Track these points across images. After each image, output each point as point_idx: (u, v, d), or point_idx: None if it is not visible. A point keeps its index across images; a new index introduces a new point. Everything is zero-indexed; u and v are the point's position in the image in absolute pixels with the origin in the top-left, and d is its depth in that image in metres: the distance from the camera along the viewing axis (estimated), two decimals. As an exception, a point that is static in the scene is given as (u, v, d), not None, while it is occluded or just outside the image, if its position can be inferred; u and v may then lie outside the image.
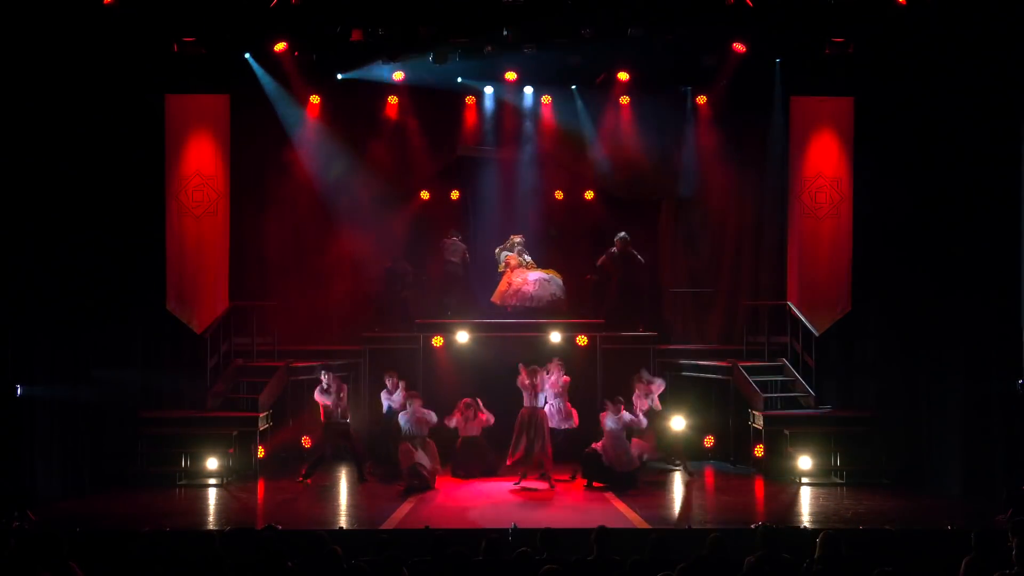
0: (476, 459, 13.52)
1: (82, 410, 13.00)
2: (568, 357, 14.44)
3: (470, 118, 16.02)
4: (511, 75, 15.23)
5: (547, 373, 13.48)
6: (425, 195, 16.40)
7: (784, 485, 13.26)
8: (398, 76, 15.02)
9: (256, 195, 15.23)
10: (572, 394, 13.69)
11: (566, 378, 13.57)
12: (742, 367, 14.34)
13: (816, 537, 7.65)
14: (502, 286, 15.51)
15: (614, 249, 15.56)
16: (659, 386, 13.73)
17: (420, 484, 12.72)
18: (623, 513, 11.58)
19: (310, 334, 15.44)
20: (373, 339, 15.08)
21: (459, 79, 15.51)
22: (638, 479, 13.06)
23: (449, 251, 15.88)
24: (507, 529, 9.44)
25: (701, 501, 12.75)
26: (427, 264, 16.09)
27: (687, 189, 15.92)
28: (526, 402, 13.13)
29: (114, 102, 13.48)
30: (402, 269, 15.71)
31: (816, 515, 11.57)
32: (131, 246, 13.90)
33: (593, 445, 13.07)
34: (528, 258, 15.70)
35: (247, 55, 14.42)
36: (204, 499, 12.47)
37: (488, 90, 15.88)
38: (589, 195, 16.27)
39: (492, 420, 13.54)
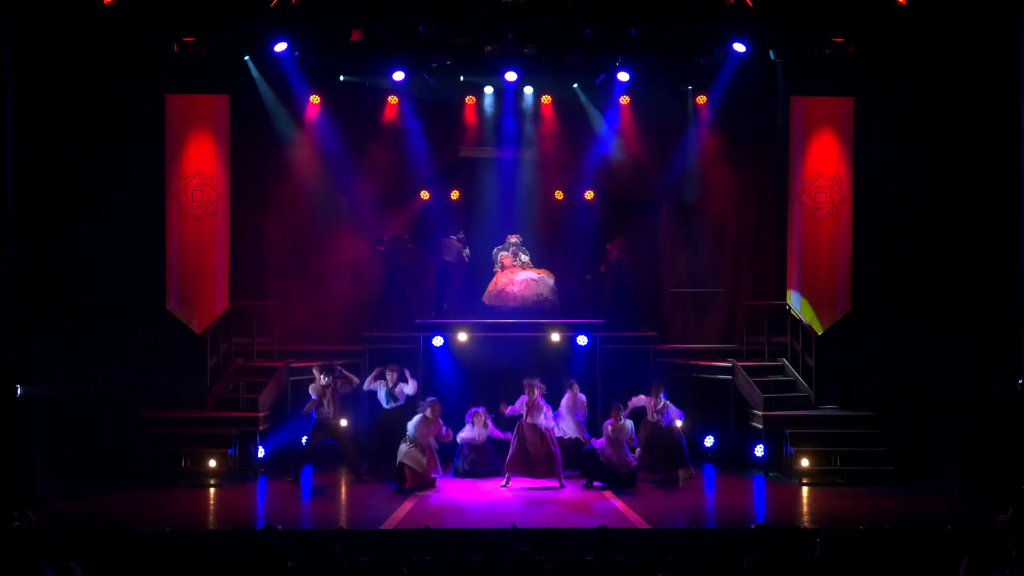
0: (478, 459, 13.51)
1: (82, 410, 13.00)
2: (568, 357, 14.44)
3: (470, 118, 16.04)
4: (511, 75, 15.23)
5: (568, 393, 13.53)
6: (425, 195, 16.41)
7: (784, 485, 13.26)
8: (398, 76, 15.01)
9: (256, 195, 15.26)
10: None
11: (582, 397, 13.63)
12: (742, 367, 14.34)
13: (816, 537, 7.65)
14: (490, 286, 15.52)
15: (613, 256, 15.56)
16: (675, 414, 13.62)
17: (400, 484, 12.71)
18: (623, 513, 11.57)
19: (310, 334, 15.44)
20: (373, 339, 15.07)
21: (461, 78, 15.53)
22: (638, 479, 13.05)
23: (445, 249, 15.88)
24: (507, 529, 9.44)
25: (701, 501, 12.76)
26: (426, 260, 16.09)
27: (687, 189, 15.94)
28: (528, 418, 13.04)
29: (114, 102, 13.49)
30: (405, 244, 15.65)
31: (816, 515, 11.56)
32: (131, 246, 13.91)
33: (592, 442, 13.06)
34: (525, 258, 15.68)
35: (246, 59, 14.43)
36: (204, 499, 12.46)
37: (488, 90, 15.88)
38: (589, 195, 16.26)
39: (498, 432, 13.56)
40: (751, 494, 13.14)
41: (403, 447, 12.95)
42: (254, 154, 15.09)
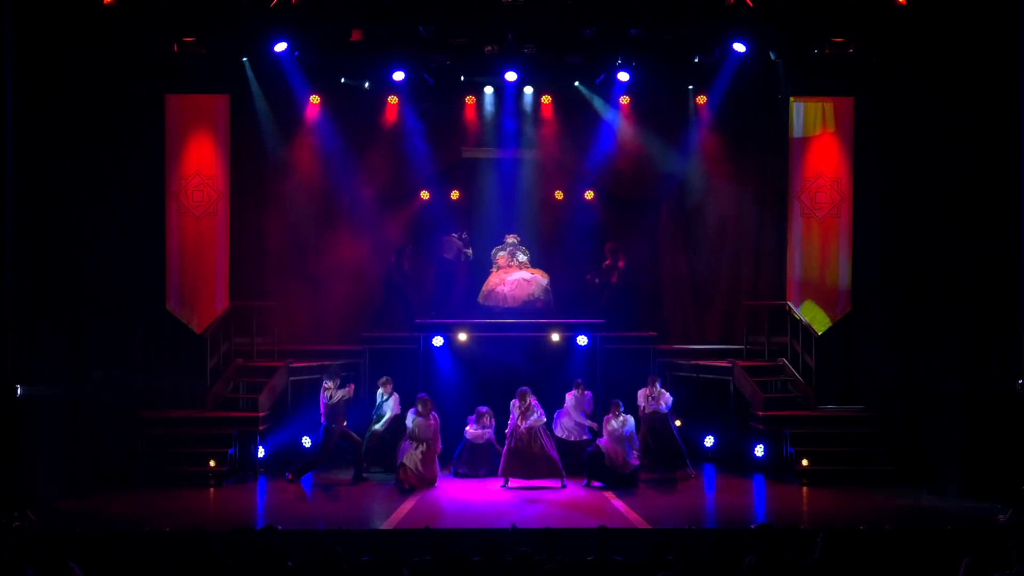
0: (479, 460, 13.51)
1: (82, 410, 12.98)
2: (569, 357, 14.44)
3: (470, 118, 16.04)
4: (511, 75, 15.23)
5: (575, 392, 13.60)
6: (425, 195, 16.41)
7: (784, 485, 13.25)
8: (398, 76, 15.01)
9: (256, 195, 15.27)
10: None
11: (588, 394, 13.70)
12: (742, 367, 14.35)
13: (816, 537, 7.65)
14: (484, 287, 15.53)
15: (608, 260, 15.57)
16: (666, 399, 13.68)
17: (400, 484, 12.72)
18: (623, 513, 11.57)
19: (310, 334, 15.45)
20: (373, 339, 15.07)
21: (461, 78, 15.54)
22: (638, 479, 13.05)
23: (445, 247, 15.89)
24: (507, 529, 9.44)
25: (701, 501, 12.76)
26: (426, 260, 16.10)
27: (687, 189, 15.95)
28: (522, 422, 13.00)
29: (114, 102, 13.49)
30: (408, 255, 15.67)
31: (816, 515, 11.56)
32: (131, 246, 13.92)
33: (596, 444, 13.06)
34: (523, 258, 15.68)
35: (244, 60, 14.42)
36: (204, 499, 12.46)
37: (488, 90, 15.88)
38: (589, 195, 16.26)
39: (493, 437, 13.57)
40: (751, 494, 13.14)
41: (405, 445, 12.96)
42: (254, 154, 15.10)
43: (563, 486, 12.84)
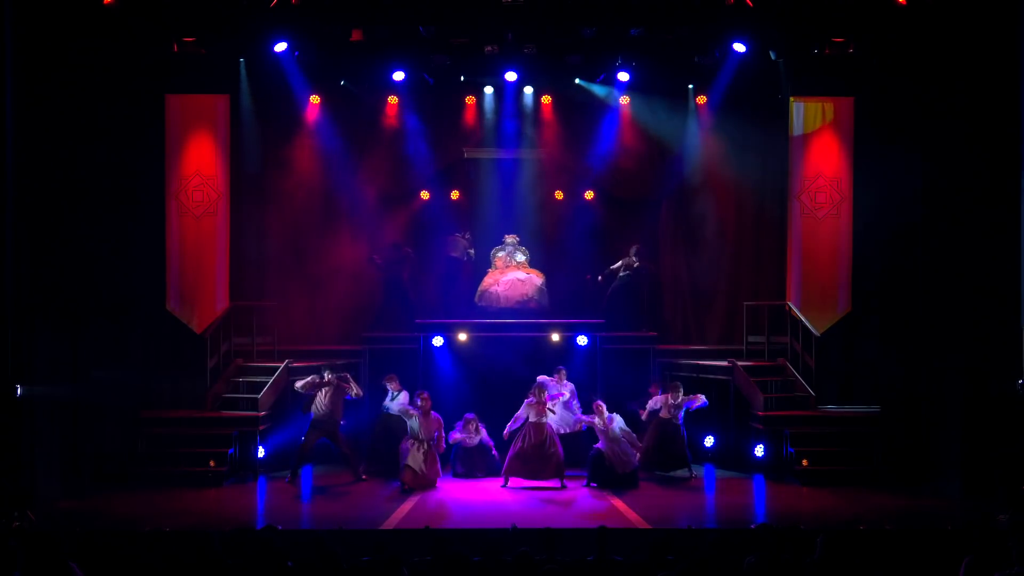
0: (475, 461, 13.51)
1: (82, 410, 12.99)
2: (569, 357, 14.43)
3: (470, 118, 16.04)
4: (511, 75, 15.23)
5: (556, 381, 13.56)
6: (425, 195, 16.41)
7: (784, 485, 13.25)
8: (398, 76, 15.01)
9: (256, 195, 15.27)
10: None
11: (569, 384, 13.71)
12: (742, 367, 14.35)
13: (816, 537, 7.64)
14: (480, 287, 15.54)
15: (631, 260, 15.51)
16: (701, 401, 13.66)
17: (402, 484, 12.72)
18: (623, 513, 11.57)
19: (310, 334, 15.46)
20: (373, 339, 15.07)
21: (461, 78, 15.54)
22: (638, 479, 13.05)
23: (451, 246, 15.91)
24: (507, 529, 9.44)
25: (701, 501, 12.76)
26: (428, 260, 16.10)
27: (687, 189, 15.95)
28: (533, 418, 13.01)
29: (114, 102, 13.49)
30: (403, 252, 15.67)
31: (816, 515, 11.55)
32: (131, 246, 13.92)
33: (596, 445, 13.06)
34: (522, 258, 15.69)
35: (241, 61, 14.41)
36: (204, 499, 12.45)
37: (488, 90, 15.89)
38: (589, 195, 16.27)
39: (491, 443, 13.56)
40: (751, 494, 13.13)
41: (406, 446, 12.96)
42: (254, 154, 15.10)
43: (563, 487, 12.84)
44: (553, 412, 13.08)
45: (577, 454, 13.37)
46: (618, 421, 13.08)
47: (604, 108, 15.81)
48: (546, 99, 15.98)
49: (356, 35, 14.20)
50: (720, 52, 14.36)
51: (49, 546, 6.80)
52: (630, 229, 15.95)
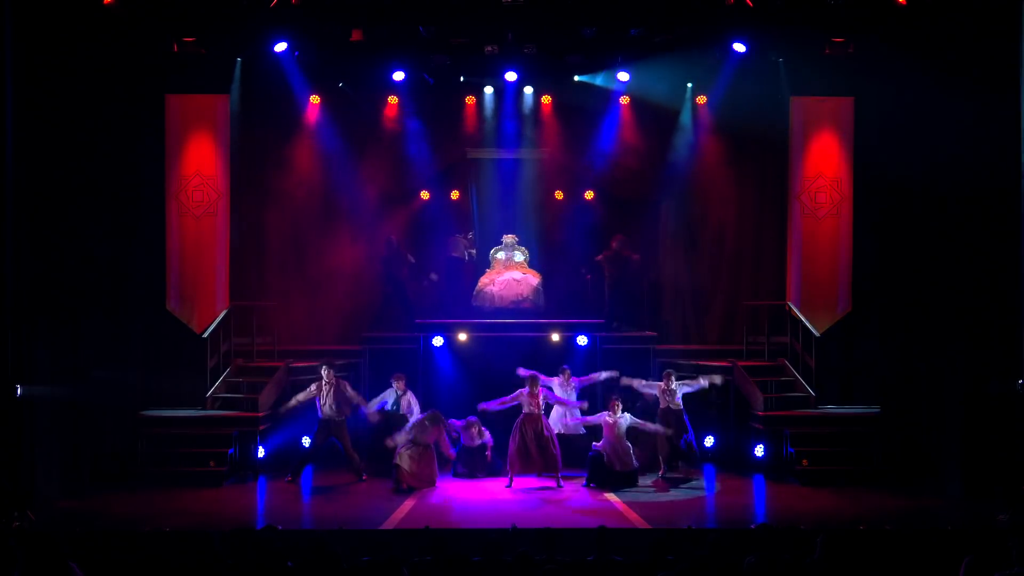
0: (476, 462, 13.51)
1: (82, 410, 13.00)
2: (569, 357, 14.44)
3: (470, 118, 16.05)
4: (511, 75, 15.23)
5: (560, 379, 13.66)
6: (425, 195, 16.41)
7: (784, 485, 13.25)
8: (398, 76, 15.01)
9: (256, 195, 15.28)
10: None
11: (575, 381, 13.77)
12: (742, 367, 14.35)
13: (816, 537, 7.64)
14: (477, 286, 15.54)
15: (609, 251, 15.54)
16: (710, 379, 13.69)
17: (396, 485, 12.71)
18: (623, 513, 11.57)
19: (310, 334, 15.46)
20: (373, 339, 15.07)
21: (461, 78, 15.54)
22: (638, 479, 13.05)
23: (452, 246, 15.92)
24: (507, 529, 9.44)
25: (701, 501, 12.76)
26: (429, 260, 16.10)
27: (687, 189, 15.95)
28: (527, 410, 13.00)
29: (114, 102, 13.49)
30: (402, 252, 15.67)
31: (816, 515, 11.54)
32: (131, 246, 13.92)
33: (595, 446, 13.06)
34: (521, 258, 15.69)
35: (238, 60, 14.42)
36: (204, 499, 12.45)
37: (488, 90, 15.89)
38: (589, 195, 16.27)
39: (491, 442, 13.56)
40: (751, 494, 13.13)
41: (399, 447, 12.94)
42: (254, 154, 15.11)
43: (559, 486, 12.83)
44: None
45: (577, 454, 13.36)
46: (629, 420, 13.08)
47: (604, 108, 15.81)
48: (546, 99, 15.98)
49: (356, 35, 14.19)
50: (720, 52, 14.36)
51: (49, 546, 6.80)
52: (630, 229, 15.94)
